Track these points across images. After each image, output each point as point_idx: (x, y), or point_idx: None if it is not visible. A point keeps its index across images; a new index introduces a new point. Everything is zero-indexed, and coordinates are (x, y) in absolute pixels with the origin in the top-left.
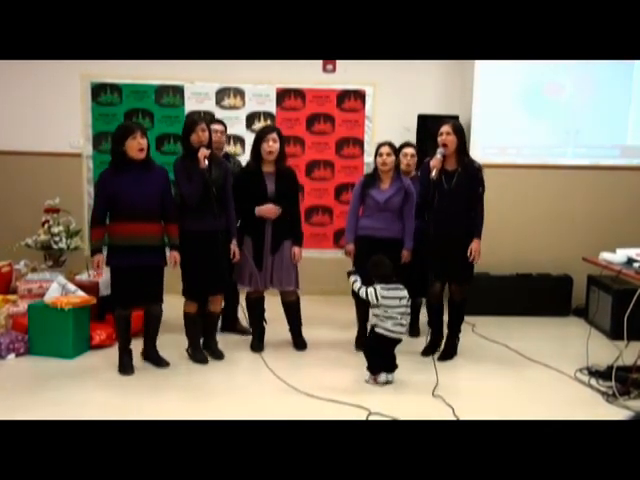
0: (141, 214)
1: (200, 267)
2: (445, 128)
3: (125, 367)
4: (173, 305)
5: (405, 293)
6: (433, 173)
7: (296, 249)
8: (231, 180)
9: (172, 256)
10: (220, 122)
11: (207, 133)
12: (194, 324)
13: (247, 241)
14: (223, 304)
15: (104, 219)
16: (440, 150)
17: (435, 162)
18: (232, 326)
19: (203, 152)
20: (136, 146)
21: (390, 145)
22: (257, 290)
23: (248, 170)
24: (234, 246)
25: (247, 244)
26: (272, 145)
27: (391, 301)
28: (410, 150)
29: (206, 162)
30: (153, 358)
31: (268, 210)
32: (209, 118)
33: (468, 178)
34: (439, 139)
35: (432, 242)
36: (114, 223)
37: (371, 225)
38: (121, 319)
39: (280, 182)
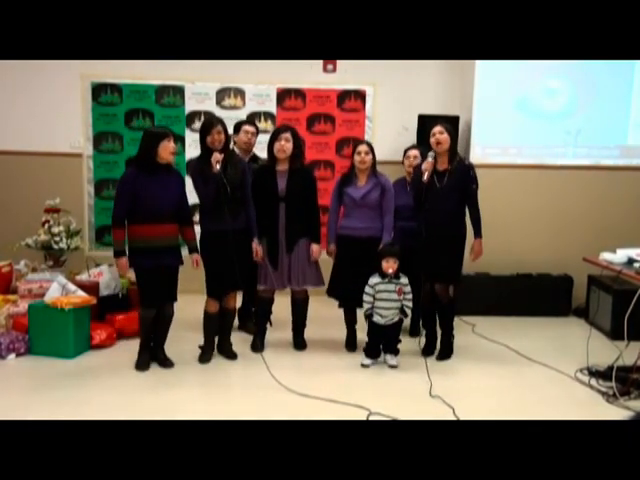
0: (163, 216)
1: (217, 265)
2: (438, 128)
3: (143, 363)
4: (185, 304)
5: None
6: (425, 176)
7: (314, 246)
8: (249, 180)
9: (194, 259)
10: (252, 123)
11: (223, 135)
12: (213, 324)
13: (261, 241)
14: (240, 303)
15: (125, 220)
16: (431, 153)
17: (427, 165)
18: (245, 325)
19: (216, 157)
20: (170, 149)
21: (368, 144)
22: (271, 289)
23: (262, 169)
24: (255, 244)
25: (262, 244)
26: (283, 145)
27: None
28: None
29: (218, 166)
30: (159, 358)
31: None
32: (242, 121)
33: (460, 177)
34: (432, 140)
35: (423, 242)
36: (136, 225)
37: (350, 225)
38: (147, 319)
39: (292, 181)
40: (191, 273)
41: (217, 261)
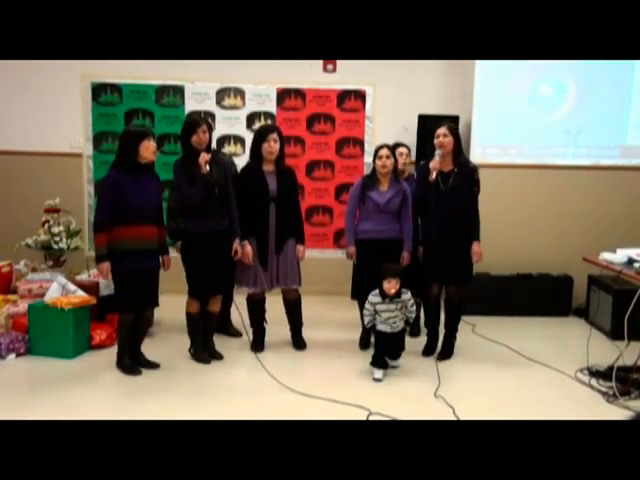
0: (145, 217)
1: (203, 267)
2: (442, 130)
3: (132, 369)
4: (172, 306)
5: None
6: (433, 175)
7: (300, 247)
8: (231, 178)
9: (166, 260)
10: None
11: (208, 134)
12: (196, 324)
13: (251, 242)
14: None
15: (109, 224)
16: (438, 152)
17: (434, 164)
18: (224, 328)
19: (204, 157)
20: (152, 148)
21: (389, 147)
22: (262, 291)
23: (249, 170)
24: (236, 244)
25: (251, 245)
26: (273, 145)
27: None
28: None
29: (207, 167)
30: (140, 361)
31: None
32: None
33: (464, 178)
34: (435, 141)
35: (430, 244)
36: (120, 227)
37: (372, 228)
38: (127, 323)
39: (281, 181)
40: (174, 273)
41: (202, 263)
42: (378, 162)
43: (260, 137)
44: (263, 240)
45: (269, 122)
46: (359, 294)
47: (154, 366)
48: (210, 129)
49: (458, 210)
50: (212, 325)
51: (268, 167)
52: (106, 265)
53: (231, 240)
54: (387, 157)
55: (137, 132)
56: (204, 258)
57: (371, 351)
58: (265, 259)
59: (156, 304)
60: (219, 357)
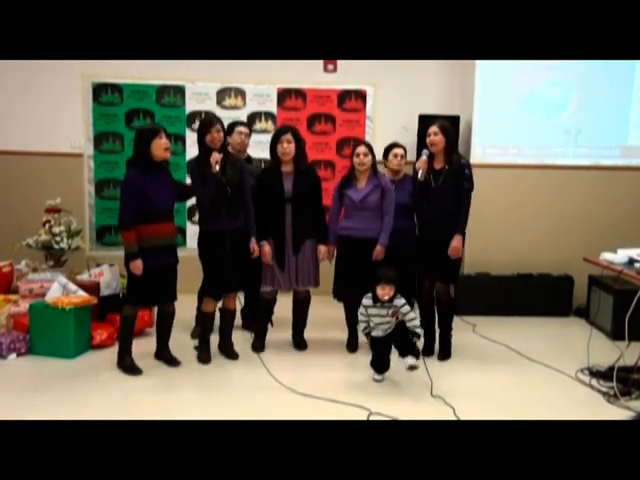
0: (165, 214)
1: (218, 266)
2: (432, 128)
3: (133, 368)
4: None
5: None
6: (419, 174)
7: (322, 247)
8: (248, 179)
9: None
10: (245, 124)
11: (222, 134)
12: (210, 323)
13: (269, 242)
14: (243, 303)
15: (133, 222)
16: (425, 151)
17: (420, 163)
18: (252, 324)
19: (215, 157)
20: (164, 145)
21: (367, 145)
22: (278, 290)
23: (267, 171)
24: (253, 244)
25: (269, 245)
26: (286, 147)
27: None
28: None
29: (217, 167)
30: (166, 357)
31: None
32: (235, 122)
33: (455, 176)
34: (427, 140)
35: (419, 240)
36: (142, 225)
37: (351, 225)
38: (130, 317)
39: (298, 181)
40: (182, 273)
41: (218, 261)
42: (355, 159)
43: (275, 139)
44: (280, 240)
45: (269, 123)
46: (340, 292)
47: (176, 363)
48: (224, 129)
49: (446, 208)
50: (229, 323)
51: (286, 168)
52: (139, 263)
53: (246, 239)
54: (364, 155)
55: (147, 131)
56: (218, 257)
57: (361, 353)
58: (282, 259)
59: (175, 298)
60: (234, 357)
